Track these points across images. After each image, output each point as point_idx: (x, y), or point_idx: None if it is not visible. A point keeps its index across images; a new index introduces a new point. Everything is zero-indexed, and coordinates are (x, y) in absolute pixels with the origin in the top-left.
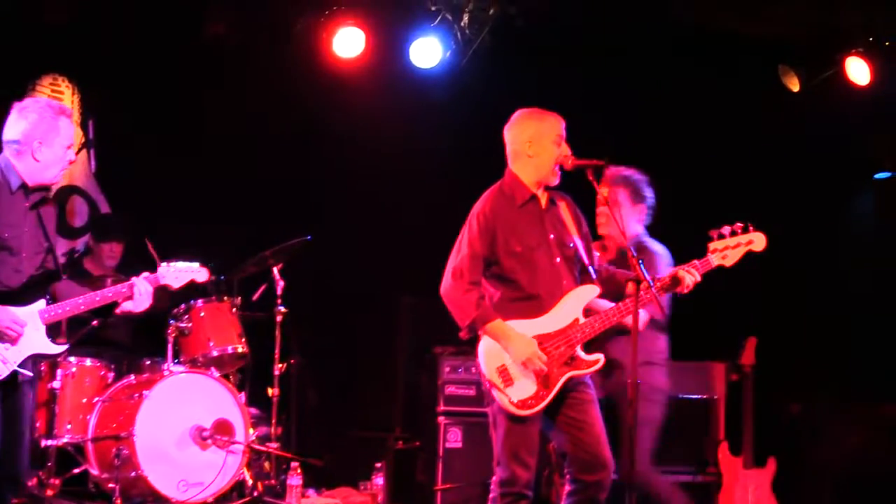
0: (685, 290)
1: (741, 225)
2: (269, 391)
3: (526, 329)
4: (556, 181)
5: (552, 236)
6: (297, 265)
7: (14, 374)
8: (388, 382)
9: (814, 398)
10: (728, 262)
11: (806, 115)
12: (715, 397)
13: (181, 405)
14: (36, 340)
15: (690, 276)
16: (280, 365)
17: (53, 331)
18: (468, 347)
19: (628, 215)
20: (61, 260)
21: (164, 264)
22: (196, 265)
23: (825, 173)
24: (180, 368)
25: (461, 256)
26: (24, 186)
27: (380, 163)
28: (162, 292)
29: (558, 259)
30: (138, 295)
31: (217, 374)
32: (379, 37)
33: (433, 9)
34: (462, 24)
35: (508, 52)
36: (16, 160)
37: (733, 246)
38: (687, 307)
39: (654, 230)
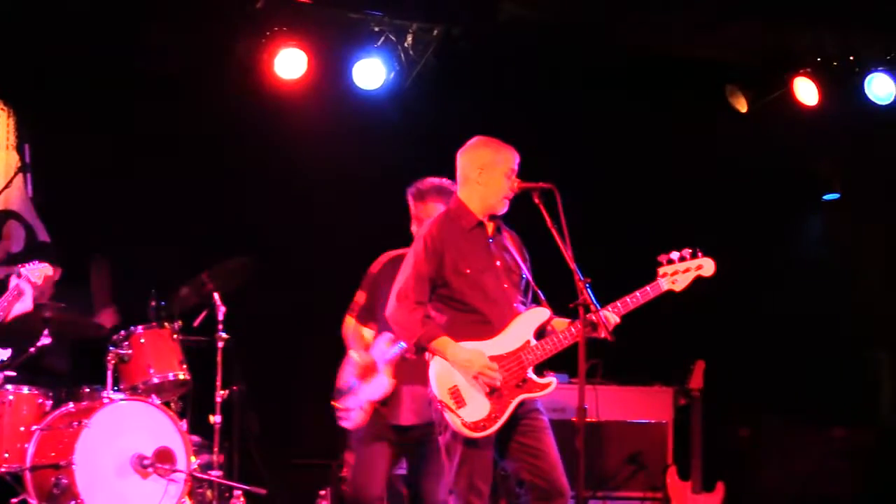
0: (601, 335)
1: (690, 250)
2: (211, 418)
3: (473, 349)
4: (502, 211)
5: (499, 263)
6: (239, 290)
7: None
8: (331, 409)
9: (763, 422)
10: (678, 287)
11: (753, 137)
12: (663, 422)
13: (121, 433)
14: None
15: (603, 324)
16: (222, 391)
17: None
18: None
19: None
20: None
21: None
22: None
23: (773, 195)
24: (120, 396)
25: (406, 277)
26: None
27: (322, 185)
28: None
29: (506, 284)
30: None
31: (158, 402)
32: (321, 58)
33: (376, 29)
34: (406, 45)
35: (452, 74)
36: None
37: (683, 271)
38: (634, 331)
39: (603, 256)
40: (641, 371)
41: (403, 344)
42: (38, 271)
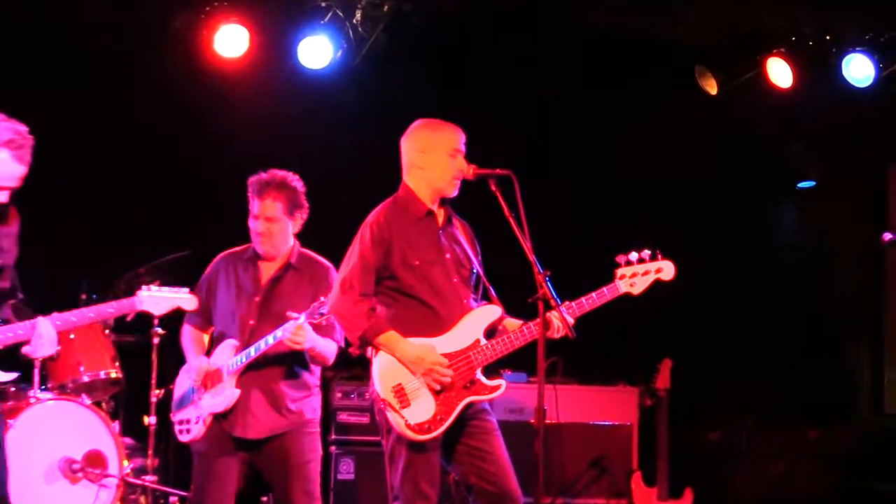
0: (556, 335)
1: (650, 252)
2: (146, 419)
3: (422, 345)
4: (453, 193)
5: (448, 255)
6: (176, 283)
7: None
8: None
9: (733, 424)
10: (636, 291)
11: (724, 120)
12: (628, 424)
13: (49, 435)
14: None
15: (556, 326)
16: (157, 391)
17: None
18: (362, 371)
19: (284, 229)
20: None
21: (144, 288)
22: (184, 290)
23: (744, 182)
24: (48, 395)
25: (351, 267)
26: None
27: (265, 169)
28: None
29: (455, 279)
30: (36, 338)
31: (88, 402)
32: (264, 35)
33: (323, 5)
34: (354, 21)
35: (404, 51)
36: None
37: (642, 273)
38: (597, 327)
39: (563, 248)
40: (604, 369)
41: (251, 353)
42: (165, 301)
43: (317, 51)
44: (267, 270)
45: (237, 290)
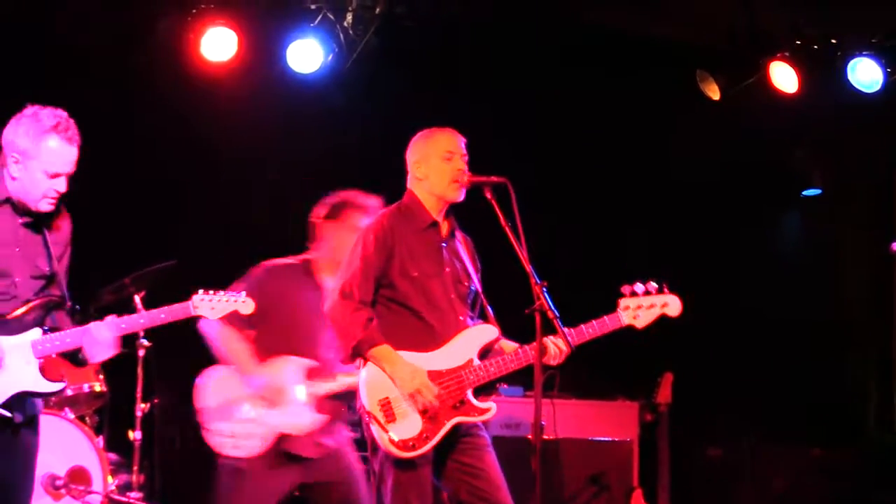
0: (553, 363)
1: (656, 285)
2: (131, 434)
3: (416, 362)
4: (459, 198)
5: (448, 270)
6: (161, 293)
7: (3, 416)
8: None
9: (735, 440)
10: (639, 324)
11: (726, 126)
12: (627, 439)
13: None
14: (25, 376)
15: (554, 351)
16: (142, 405)
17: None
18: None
19: None
20: None
21: (200, 292)
22: (242, 294)
23: (748, 190)
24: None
25: (352, 272)
26: (10, 201)
27: (254, 178)
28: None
29: (452, 295)
30: (93, 342)
31: (71, 416)
32: (252, 38)
33: (313, 7)
34: (345, 24)
35: (396, 55)
36: (5, 171)
37: (647, 307)
38: (595, 340)
39: (561, 257)
40: (603, 384)
41: (347, 382)
42: (222, 305)
43: (307, 54)
44: None
45: (311, 307)
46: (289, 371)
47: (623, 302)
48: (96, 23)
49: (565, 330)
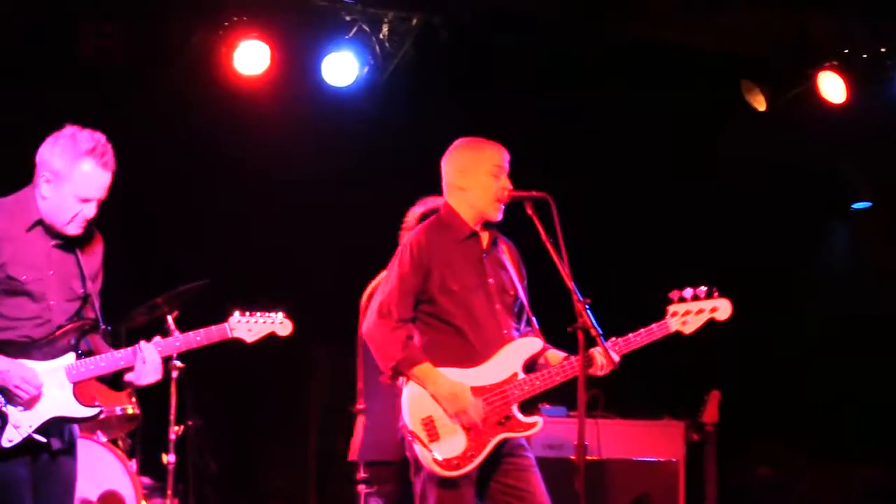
0: (599, 373)
1: (705, 289)
2: (164, 458)
3: (458, 379)
4: (497, 216)
5: (492, 280)
6: (195, 313)
7: (40, 442)
8: (300, 445)
9: (785, 460)
10: (687, 329)
11: (773, 138)
12: (673, 460)
13: None
14: (59, 401)
15: (599, 362)
16: (176, 428)
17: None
18: None
19: None
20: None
21: (236, 314)
22: (279, 315)
23: (796, 204)
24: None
25: (389, 290)
26: (42, 223)
27: (289, 195)
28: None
29: (498, 306)
30: (140, 364)
31: (104, 439)
32: (286, 51)
33: (348, 19)
34: (381, 35)
35: (434, 67)
36: (37, 190)
37: (695, 312)
38: (640, 357)
39: (604, 273)
40: (648, 403)
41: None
42: (259, 327)
43: (342, 67)
44: None
45: None
46: None
47: (671, 308)
48: (125, 39)
49: (608, 345)
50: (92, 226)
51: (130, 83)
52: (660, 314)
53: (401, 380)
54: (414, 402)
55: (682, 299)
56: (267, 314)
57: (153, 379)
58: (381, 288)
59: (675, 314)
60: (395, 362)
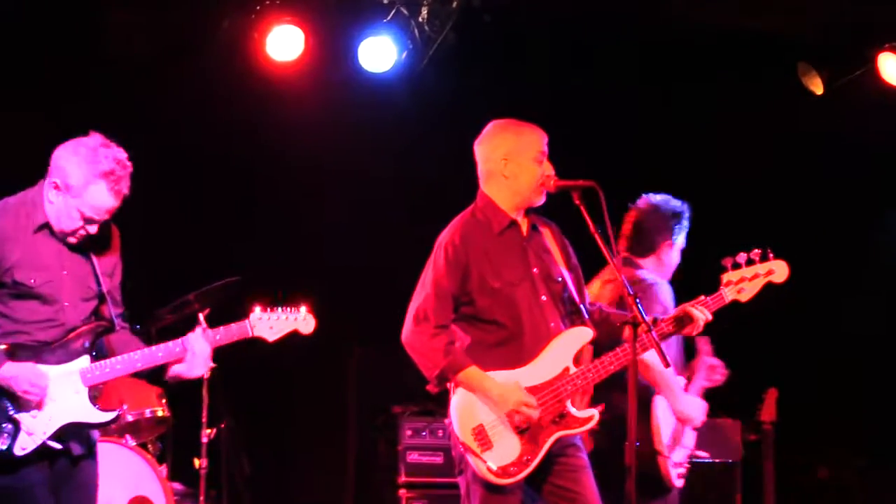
0: (694, 332)
1: (759, 251)
2: (196, 462)
3: (507, 380)
4: (540, 202)
5: (536, 270)
6: (227, 310)
7: (56, 449)
8: (338, 449)
9: (845, 460)
10: (744, 297)
11: (831, 122)
12: (730, 461)
13: None
14: (74, 406)
15: (701, 314)
16: (208, 430)
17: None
18: (434, 406)
19: None
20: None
21: (257, 310)
22: (302, 312)
23: (855, 191)
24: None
25: (425, 295)
26: (48, 226)
27: (325, 186)
28: None
29: (544, 297)
30: (190, 356)
31: (133, 443)
32: (321, 36)
33: (385, 2)
34: (420, 19)
35: (475, 52)
36: (45, 192)
37: (750, 277)
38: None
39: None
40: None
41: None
42: (281, 324)
43: (379, 52)
44: None
45: None
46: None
47: (725, 277)
48: (155, 23)
49: (656, 337)
50: (108, 226)
51: (159, 73)
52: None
53: (450, 385)
54: (463, 411)
55: (735, 265)
56: (289, 310)
57: (202, 371)
58: (418, 292)
59: (728, 283)
60: (439, 370)
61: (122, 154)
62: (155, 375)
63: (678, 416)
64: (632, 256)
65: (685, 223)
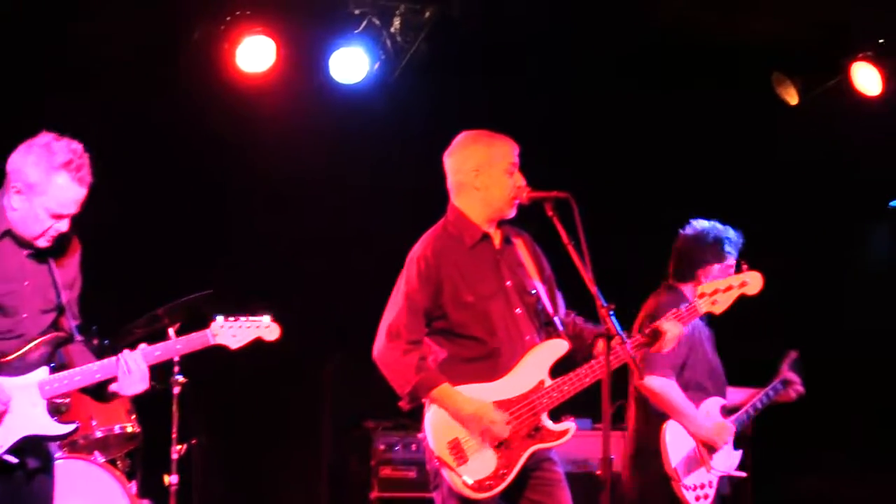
0: (665, 348)
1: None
2: (166, 479)
3: (480, 395)
4: (511, 214)
5: (510, 283)
6: (198, 325)
7: (12, 463)
8: (311, 464)
9: (825, 469)
10: (718, 309)
11: (806, 132)
12: None
13: (58, 498)
14: (32, 418)
15: (673, 327)
16: (179, 446)
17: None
18: (408, 420)
19: None
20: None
21: (219, 318)
22: (265, 319)
23: (830, 201)
24: (57, 453)
25: (398, 311)
26: (11, 234)
27: (298, 197)
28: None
29: (519, 310)
30: (122, 374)
31: (102, 460)
32: (292, 47)
33: (357, 12)
34: (392, 30)
35: (448, 63)
36: (6, 200)
37: (724, 289)
38: None
39: (628, 278)
40: None
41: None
42: (244, 332)
43: (351, 63)
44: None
45: (710, 345)
46: (717, 412)
47: (699, 288)
48: (124, 35)
49: (631, 350)
50: (69, 236)
51: (130, 84)
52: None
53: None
54: (437, 425)
55: None
56: (252, 318)
57: (140, 389)
58: (389, 307)
59: (702, 295)
60: (410, 387)
61: (76, 144)
62: (96, 391)
63: (696, 439)
64: (675, 283)
65: (728, 249)
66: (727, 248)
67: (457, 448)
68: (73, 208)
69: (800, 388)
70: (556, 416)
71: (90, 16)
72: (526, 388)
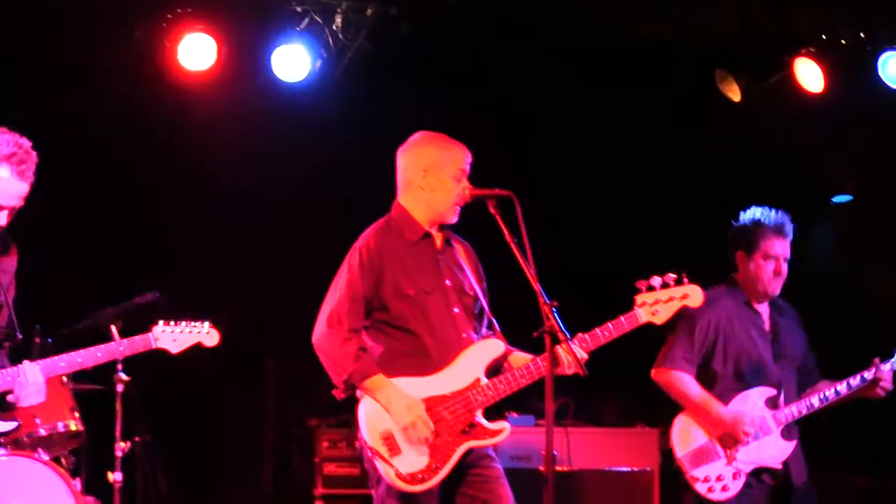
0: (568, 371)
1: (674, 276)
2: (110, 476)
3: (416, 388)
4: (453, 220)
5: (449, 282)
6: (139, 323)
7: None
8: (254, 461)
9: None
10: (659, 320)
11: (749, 129)
12: (648, 469)
13: (2, 495)
14: None
15: (566, 356)
16: (123, 444)
17: None
18: (350, 417)
19: None
20: None
21: (160, 323)
22: (205, 325)
23: (773, 197)
24: (0, 451)
25: (339, 298)
26: None
27: (238, 197)
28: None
29: (457, 309)
30: (19, 387)
31: (46, 458)
32: (233, 45)
33: (299, 10)
34: (334, 27)
35: (391, 61)
36: None
37: (665, 300)
38: (611, 363)
39: (572, 275)
40: (620, 410)
41: (814, 405)
42: (185, 337)
43: (293, 61)
44: (763, 312)
45: (758, 336)
46: (757, 403)
47: (640, 298)
48: (61, 31)
49: (576, 346)
50: (6, 234)
51: (68, 83)
52: (629, 307)
53: (357, 392)
54: (371, 417)
55: (650, 288)
56: (193, 324)
57: (35, 401)
58: (330, 296)
59: (643, 304)
60: (346, 375)
61: (23, 139)
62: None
63: (710, 432)
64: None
65: (764, 232)
66: (763, 231)
67: (390, 440)
68: (12, 201)
69: (886, 386)
70: (499, 411)
71: (32, 13)
72: (462, 385)
